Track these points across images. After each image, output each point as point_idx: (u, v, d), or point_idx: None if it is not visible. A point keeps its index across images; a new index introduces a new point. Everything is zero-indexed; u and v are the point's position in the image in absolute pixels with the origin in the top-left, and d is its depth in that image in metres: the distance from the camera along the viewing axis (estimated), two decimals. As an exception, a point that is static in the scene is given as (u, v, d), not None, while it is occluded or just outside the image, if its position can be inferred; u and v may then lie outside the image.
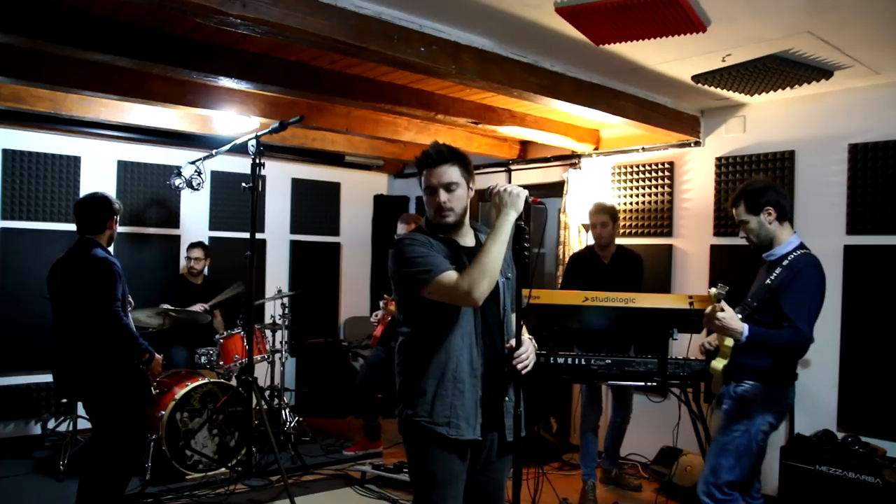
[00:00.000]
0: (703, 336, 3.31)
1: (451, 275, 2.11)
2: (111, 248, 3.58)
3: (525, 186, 2.24)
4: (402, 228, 4.82)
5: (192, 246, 5.48)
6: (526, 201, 2.18)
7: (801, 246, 2.91)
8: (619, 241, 4.56)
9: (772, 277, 2.84)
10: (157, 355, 3.53)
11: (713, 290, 2.67)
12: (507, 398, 2.26)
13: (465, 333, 2.20)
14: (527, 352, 2.22)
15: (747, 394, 2.86)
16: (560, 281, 5.31)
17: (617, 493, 4.39)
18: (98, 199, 3.51)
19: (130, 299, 3.62)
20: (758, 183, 3.00)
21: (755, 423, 2.83)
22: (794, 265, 2.82)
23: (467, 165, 2.27)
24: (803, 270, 2.80)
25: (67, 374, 3.36)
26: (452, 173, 2.22)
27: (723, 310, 2.68)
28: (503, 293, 2.31)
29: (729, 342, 2.84)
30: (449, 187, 2.21)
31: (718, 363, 2.89)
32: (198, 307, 5.17)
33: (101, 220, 3.47)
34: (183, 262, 5.70)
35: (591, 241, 4.67)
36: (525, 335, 2.26)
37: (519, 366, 2.19)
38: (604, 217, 4.34)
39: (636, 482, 4.51)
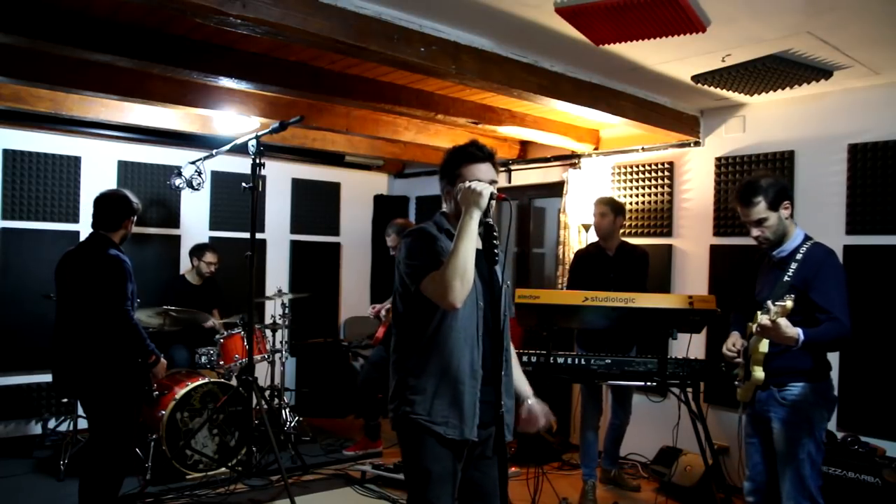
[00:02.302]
0: (703, 336, 3.28)
1: (432, 275, 2.12)
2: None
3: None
4: (392, 240, 4.81)
5: (206, 249, 5.43)
6: (491, 198, 2.12)
7: (808, 237, 2.85)
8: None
9: (790, 274, 2.75)
10: (162, 359, 3.52)
11: (789, 303, 2.52)
12: (503, 401, 2.25)
13: (467, 335, 2.21)
14: (533, 412, 2.31)
15: (798, 397, 2.75)
16: (561, 281, 5.33)
17: (616, 493, 4.39)
18: (118, 197, 3.50)
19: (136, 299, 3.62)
20: (768, 177, 2.86)
21: (815, 423, 2.74)
22: (812, 257, 2.75)
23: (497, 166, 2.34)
24: (826, 260, 2.74)
25: (67, 370, 3.35)
26: (493, 172, 2.26)
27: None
28: (504, 298, 2.29)
29: (763, 348, 2.71)
30: (491, 184, 2.24)
31: (759, 372, 2.76)
32: (208, 319, 5.15)
33: (117, 217, 3.45)
34: (185, 263, 5.69)
35: (593, 240, 4.68)
36: (530, 397, 2.36)
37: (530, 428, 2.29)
38: (603, 207, 4.37)
39: (635, 482, 4.51)
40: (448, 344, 2.18)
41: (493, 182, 2.22)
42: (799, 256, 2.77)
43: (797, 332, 2.58)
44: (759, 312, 2.70)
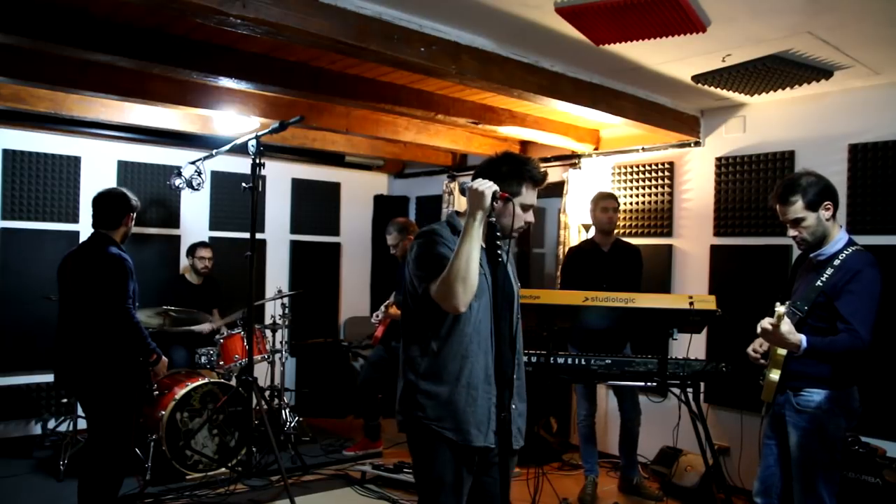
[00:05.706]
0: (703, 336, 3.26)
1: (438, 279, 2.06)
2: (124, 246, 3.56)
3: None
4: (392, 238, 4.81)
5: (202, 245, 5.47)
6: (494, 197, 2.04)
7: (851, 242, 2.72)
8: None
9: (823, 279, 2.65)
10: (164, 357, 3.52)
11: (782, 309, 2.50)
12: (514, 405, 2.23)
13: (481, 339, 2.17)
14: None
15: (813, 404, 2.66)
16: (560, 281, 5.32)
17: (631, 500, 4.32)
18: (115, 195, 3.51)
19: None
20: (810, 175, 2.72)
21: (829, 433, 2.65)
22: (849, 264, 2.64)
23: None
24: (863, 270, 2.62)
25: (68, 368, 3.36)
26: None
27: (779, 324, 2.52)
28: (517, 301, 2.27)
29: (782, 350, 2.67)
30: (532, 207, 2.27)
31: (774, 374, 2.72)
32: (206, 326, 5.16)
33: (116, 215, 3.46)
34: (184, 263, 5.69)
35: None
36: None
37: None
38: (613, 202, 4.42)
39: (657, 491, 4.34)
40: (462, 348, 2.14)
41: (532, 206, 2.23)
42: (837, 262, 2.66)
43: (799, 339, 2.53)
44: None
